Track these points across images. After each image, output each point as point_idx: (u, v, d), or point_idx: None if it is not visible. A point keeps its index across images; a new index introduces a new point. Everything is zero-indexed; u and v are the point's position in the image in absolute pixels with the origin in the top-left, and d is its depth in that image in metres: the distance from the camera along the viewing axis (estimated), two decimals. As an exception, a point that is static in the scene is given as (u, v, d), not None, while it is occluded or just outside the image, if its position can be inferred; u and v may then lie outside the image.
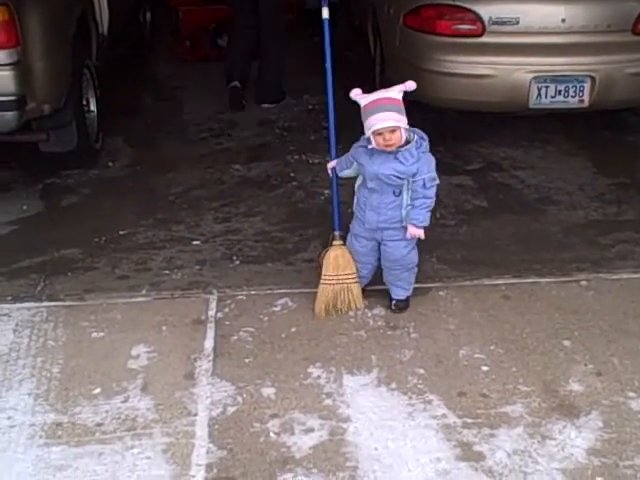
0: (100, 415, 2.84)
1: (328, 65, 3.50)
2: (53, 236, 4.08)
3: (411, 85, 3.12)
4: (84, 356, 3.16)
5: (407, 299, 3.40)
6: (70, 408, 2.88)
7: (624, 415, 2.83)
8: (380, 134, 3.06)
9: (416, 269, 3.40)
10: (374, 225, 3.27)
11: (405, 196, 3.17)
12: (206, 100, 6.08)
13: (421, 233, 3.22)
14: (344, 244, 3.39)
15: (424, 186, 3.13)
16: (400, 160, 3.09)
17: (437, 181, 3.17)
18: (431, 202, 3.19)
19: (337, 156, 3.43)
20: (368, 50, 6.01)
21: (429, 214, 3.21)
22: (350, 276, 3.36)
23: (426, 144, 3.15)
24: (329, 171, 3.47)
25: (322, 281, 3.37)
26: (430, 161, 3.15)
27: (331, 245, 3.39)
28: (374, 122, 3.05)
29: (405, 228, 3.22)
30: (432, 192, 3.17)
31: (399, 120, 3.05)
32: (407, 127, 3.09)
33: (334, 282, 3.35)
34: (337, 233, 3.40)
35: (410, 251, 3.31)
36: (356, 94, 3.17)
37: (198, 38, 7.12)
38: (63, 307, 3.48)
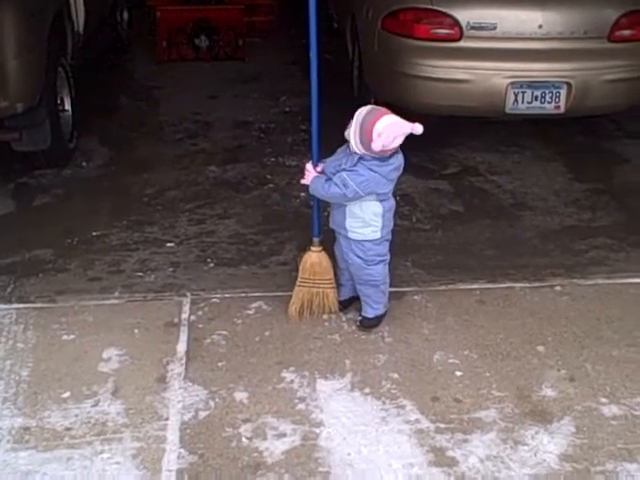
0: (69, 419, 2.80)
1: (313, 54, 3.12)
2: (24, 236, 4.02)
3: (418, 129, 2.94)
4: (54, 359, 3.11)
5: (375, 318, 3.32)
6: (39, 412, 2.83)
7: (596, 421, 2.83)
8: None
9: (384, 287, 3.30)
10: (330, 226, 3.28)
11: (350, 206, 3.10)
12: (183, 101, 6.04)
13: (305, 179, 3.17)
14: (322, 250, 3.34)
15: (333, 174, 3.05)
16: (342, 162, 3.05)
17: (345, 190, 2.99)
18: (325, 190, 3.05)
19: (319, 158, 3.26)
20: (347, 53, 6.01)
21: (318, 190, 3.10)
22: (327, 281, 3.34)
23: (378, 164, 2.99)
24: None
25: (298, 283, 3.35)
26: (360, 174, 2.98)
27: (309, 250, 3.36)
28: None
29: (352, 240, 3.17)
30: (332, 189, 3.02)
31: (355, 132, 2.96)
32: (356, 152, 2.99)
33: (310, 285, 3.33)
34: (316, 239, 3.35)
35: (369, 266, 3.20)
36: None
37: (175, 38, 7.08)
38: (33, 309, 3.43)
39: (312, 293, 3.33)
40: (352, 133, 2.98)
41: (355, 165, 3.01)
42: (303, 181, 3.21)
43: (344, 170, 3.02)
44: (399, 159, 3.07)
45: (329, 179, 3.08)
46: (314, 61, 3.12)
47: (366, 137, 2.93)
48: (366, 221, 3.13)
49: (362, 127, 2.95)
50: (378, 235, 3.17)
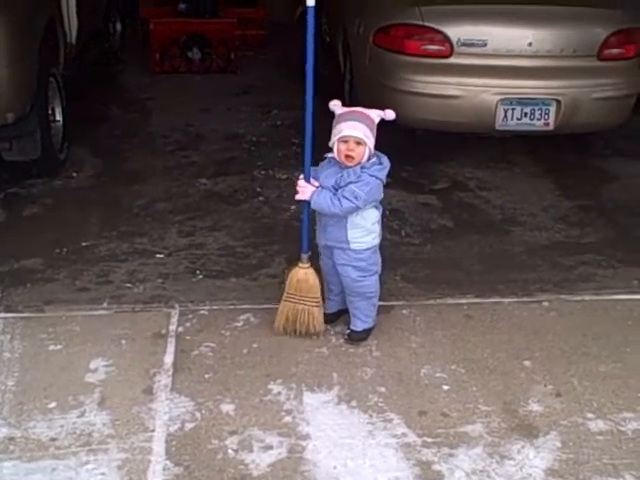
0: (55, 430, 2.79)
1: (309, 65, 3.07)
2: (13, 246, 4.01)
3: (390, 115, 3.09)
4: (41, 369, 3.10)
5: (364, 332, 3.31)
6: (24, 422, 2.82)
7: (582, 436, 2.84)
8: (345, 142, 3.01)
9: (375, 300, 3.31)
10: (322, 242, 3.25)
11: (351, 217, 3.09)
12: (174, 113, 6.05)
13: (302, 194, 3.11)
14: (311, 266, 3.31)
15: (341, 189, 3.03)
16: (343, 175, 3.05)
17: (357, 202, 3.00)
18: (337, 206, 3.01)
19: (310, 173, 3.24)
20: (338, 68, 6.04)
21: (326, 205, 3.04)
22: (312, 300, 3.29)
23: (380, 169, 3.06)
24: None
25: (284, 297, 3.33)
26: (367, 183, 3.01)
27: (297, 266, 3.32)
28: (344, 127, 3.01)
29: (352, 252, 3.15)
30: (344, 204, 3.00)
31: (369, 137, 3.02)
32: (373, 152, 3.06)
33: (296, 301, 3.30)
34: (304, 256, 3.30)
35: (365, 278, 3.21)
36: (335, 104, 3.12)
37: (168, 50, 7.10)
38: (21, 319, 3.41)
39: (297, 310, 3.29)
40: (370, 143, 3.02)
41: (360, 176, 3.03)
42: (300, 197, 3.15)
43: (351, 183, 3.02)
44: (387, 160, 3.12)
45: (333, 194, 3.07)
46: (310, 73, 3.10)
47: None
48: (368, 229, 3.15)
49: (374, 129, 3.05)
50: (378, 241, 3.21)
